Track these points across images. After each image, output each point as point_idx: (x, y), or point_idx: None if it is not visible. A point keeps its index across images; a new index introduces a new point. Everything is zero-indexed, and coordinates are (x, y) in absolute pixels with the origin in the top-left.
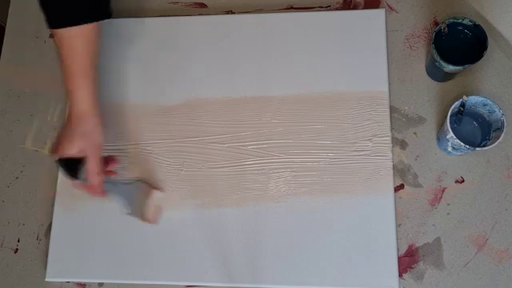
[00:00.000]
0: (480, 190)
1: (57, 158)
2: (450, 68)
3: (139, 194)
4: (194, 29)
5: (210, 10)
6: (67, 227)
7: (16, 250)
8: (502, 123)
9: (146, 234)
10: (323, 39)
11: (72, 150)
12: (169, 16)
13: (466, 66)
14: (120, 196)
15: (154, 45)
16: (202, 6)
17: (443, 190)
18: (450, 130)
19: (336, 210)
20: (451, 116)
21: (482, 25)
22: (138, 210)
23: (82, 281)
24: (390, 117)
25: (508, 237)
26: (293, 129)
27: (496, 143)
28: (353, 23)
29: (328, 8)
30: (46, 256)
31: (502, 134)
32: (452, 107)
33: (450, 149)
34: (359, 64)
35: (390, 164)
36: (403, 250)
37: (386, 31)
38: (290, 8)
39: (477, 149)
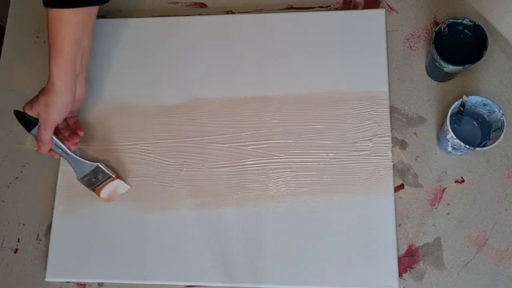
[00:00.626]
0: (480, 190)
1: (22, 110)
2: (450, 68)
3: (98, 173)
4: (193, 29)
5: (210, 10)
6: (67, 227)
7: (16, 250)
8: (502, 123)
9: (146, 234)
10: (323, 39)
11: (32, 112)
12: (169, 16)
13: (466, 66)
14: (75, 167)
15: (154, 45)
16: (202, 5)
17: (443, 190)
18: (449, 130)
19: (336, 210)
20: (451, 116)
21: (482, 25)
22: (93, 186)
23: (82, 281)
24: (390, 117)
25: (508, 237)
26: (293, 129)
27: (496, 143)
28: (353, 23)
29: (328, 8)
30: (46, 256)
31: (502, 134)
32: (452, 107)
33: (450, 149)
34: (359, 64)
35: (390, 164)
36: (403, 250)
37: (386, 31)
38: (290, 8)
39: (477, 149)
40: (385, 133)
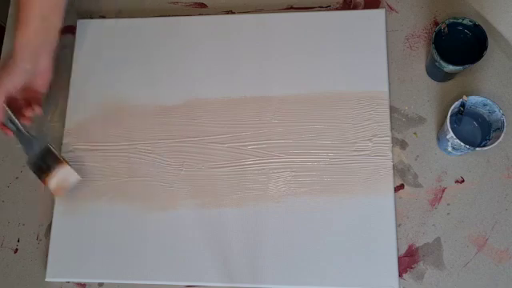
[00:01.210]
0: (480, 190)
1: None
2: (450, 68)
3: (47, 157)
4: (193, 29)
5: (210, 10)
6: (67, 227)
7: (16, 250)
8: (502, 123)
9: (146, 234)
10: (323, 39)
11: None
12: (169, 16)
13: (466, 66)
14: (24, 144)
15: (154, 45)
16: (202, 5)
17: (443, 190)
18: (449, 130)
19: (336, 210)
20: (451, 116)
21: (482, 25)
22: (41, 173)
23: (82, 281)
24: (390, 117)
25: (508, 237)
26: (293, 129)
27: (496, 143)
28: (353, 23)
29: (328, 8)
30: (46, 256)
31: (502, 134)
32: (452, 107)
33: (450, 149)
34: (359, 64)
35: (390, 164)
36: (403, 250)
37: (386, 31)
38: (290, 8)
39: (477, 149)
40: (385, 133)
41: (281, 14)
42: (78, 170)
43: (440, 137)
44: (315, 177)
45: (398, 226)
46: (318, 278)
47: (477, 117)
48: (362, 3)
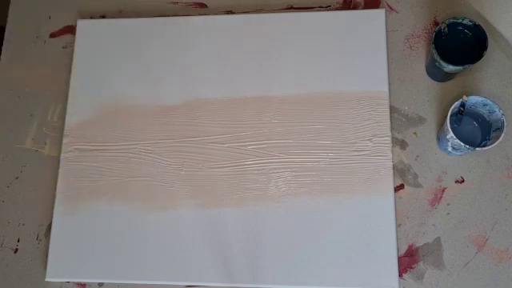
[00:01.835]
0: (480, 190)
1: None
2: (450, 68)
3: None
4: (193, 29)
5: (210, 10)
6: (67, 227)
7: (16, 250)
8: (502, 123)
9: (146, 234)
10: (323, 39)
11: None
12: (169, 16)
13: (466, 66)
14: None
15: (154, 45)
16: (202, 6)
17: (443, 190)
18: (449, 130)
19: (336, 210)
20: (451, 116)
21: (482, 25)
22: None
23: (82, 281)
24: (390, 117)
25: (508, 237)
26: (293, 129)
27: (496, 143)
28: (353, 23)
29: (328, 8)
30: (46, 256)
31: (502, 134)
32: (452, 107)
33: (450, 149)
34: (359, 64)
35: (390, 164)
36: (403, 250)
37: (386, 31)
38: (290, 8)
39: (477, 149)
40: (385, 133)
41: (281, 13)
42: (78, 170)
43: (440, 137)
44: (315, 177)
45: (398, 226)
46: (318, 278)
47: (477, 117)
48: (362, 3)
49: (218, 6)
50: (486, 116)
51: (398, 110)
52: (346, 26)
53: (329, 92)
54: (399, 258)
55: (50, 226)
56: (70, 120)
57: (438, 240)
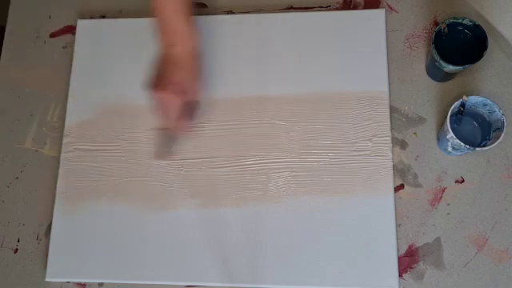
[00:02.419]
0: (480, 190)
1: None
2: (450, 68)
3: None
4: None
5: (210, 10)
6: (67, 227)
7: (16, 250)
8: (502, 123)
9: (146, 234)
10: (323, 39)
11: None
12: None
13: (466, 66)
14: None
15: (154, 45)
16: (202, 6)
17: (443, 190)
18: (449, 130)
19: (336, 210)
20: (451, 116)
21: (482, 25)
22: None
23: (82, 281)
24: (390, 117)
25: (508, 237)
26: (293, 129)
27: (496, 143)
28: (353, 23)
29: (328, 8)
30: (46, 256)
31: (502, 134)
32: (452, 107)
33: (450, 149)
34: (359, 64)
35: (390, 164)
36: (403, 250)
37: (386, 31)
38: (290, 8)
39: (477, 149)
40: (385, 133)
41: (281, 13)
42: (78, 170)
43: (440, 137)
44: (315, 177)
45: (398, 226)
46: (318, 278)
47: (477, 117)
48: (362, 3)
49: (218, 5)
50: (486, 116)
51: (398, 110)
52: (346, 26)
53: (329, 92)
54: (399, 258)
55: (49, 226)
56: (70, 120)
57: (437, 240)
